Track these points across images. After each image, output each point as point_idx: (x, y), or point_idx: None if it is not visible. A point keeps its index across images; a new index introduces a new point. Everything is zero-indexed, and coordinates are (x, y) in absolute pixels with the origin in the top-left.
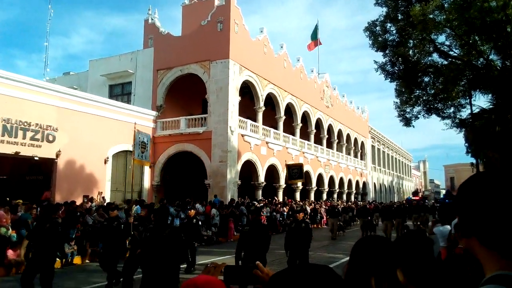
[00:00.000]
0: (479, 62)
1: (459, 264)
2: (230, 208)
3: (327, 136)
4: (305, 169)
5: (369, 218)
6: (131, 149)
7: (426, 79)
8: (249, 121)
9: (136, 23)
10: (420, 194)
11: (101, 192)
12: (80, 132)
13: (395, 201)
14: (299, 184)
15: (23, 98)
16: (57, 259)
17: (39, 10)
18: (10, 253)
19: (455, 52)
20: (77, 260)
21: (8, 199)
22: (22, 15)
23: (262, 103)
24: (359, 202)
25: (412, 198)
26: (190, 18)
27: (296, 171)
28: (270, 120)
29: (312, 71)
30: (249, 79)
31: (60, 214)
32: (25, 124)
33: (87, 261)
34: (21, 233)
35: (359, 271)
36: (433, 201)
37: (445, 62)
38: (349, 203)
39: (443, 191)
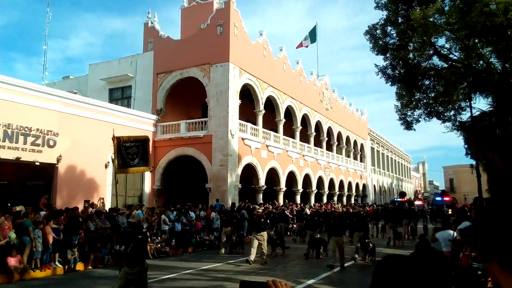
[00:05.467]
0: (479, 65)
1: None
2: (233, 213)
3: (326, 139)
4: (305, 172)
5: (319, 230)
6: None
7: (427, 82)
8: (249, 125)
9: (135, 26)
10: (420, 196)
11: (102, 198)
12: (80, 136)
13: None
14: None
15: (24, 103)
16: (60, 265)
17: (37, 13)
18: (10, 260)
19: (455, 55)
20: (79, 266)
21: (9, 204)
22: (21, 18)
23: (262, 106)
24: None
25: (399, 199)
26: (189, 21)
27: (134, 150)
28: (270, 123)
29: (311, 73)
30: (249, 82)
31: (62, 220)
32: (26, 129)
33: (90, 267)
34: (23, 240)
35: None
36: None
37: (445, 65)
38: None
39: None
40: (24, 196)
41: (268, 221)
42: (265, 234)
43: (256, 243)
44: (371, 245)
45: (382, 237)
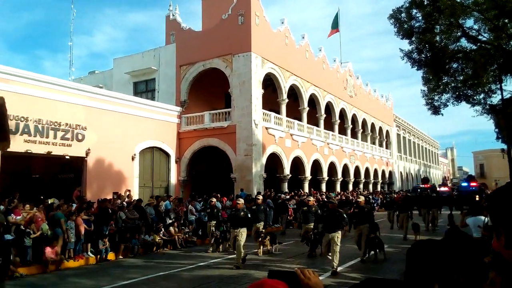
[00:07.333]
0: (510, 46)
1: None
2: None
3: (351, 126)
4: (330, 160)
5: (315, 225)
6: (157, 145)
7: (455, 65)
8: (273, 114)
9: (157, 19)
10: (448, 182)
11: (129, 190)
12: (107, 130)
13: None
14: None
15: (53, 99)
16: (92, 255)
17: (62, 10)
18: (48, 250)
19: (484, 37)
20: (111, 256)
21: (42, 197)
22: (46, 16)
23: (285, 95)
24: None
25: (421, 186)
26: (210, 12)
27: None
28: (294, 112)
29: (334, 60)
30: (272, 71)
31: (92, 211)
32: (56, 124)
33: (120, 256)
34: (56, 232)
35: (420, 279)
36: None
37: (474, 47)
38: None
39: None
40: (56, 189)
41: (249, 215)
42: (244, 230)
43: (237, 241)
44: (377, 240)
45: (399, 227)
